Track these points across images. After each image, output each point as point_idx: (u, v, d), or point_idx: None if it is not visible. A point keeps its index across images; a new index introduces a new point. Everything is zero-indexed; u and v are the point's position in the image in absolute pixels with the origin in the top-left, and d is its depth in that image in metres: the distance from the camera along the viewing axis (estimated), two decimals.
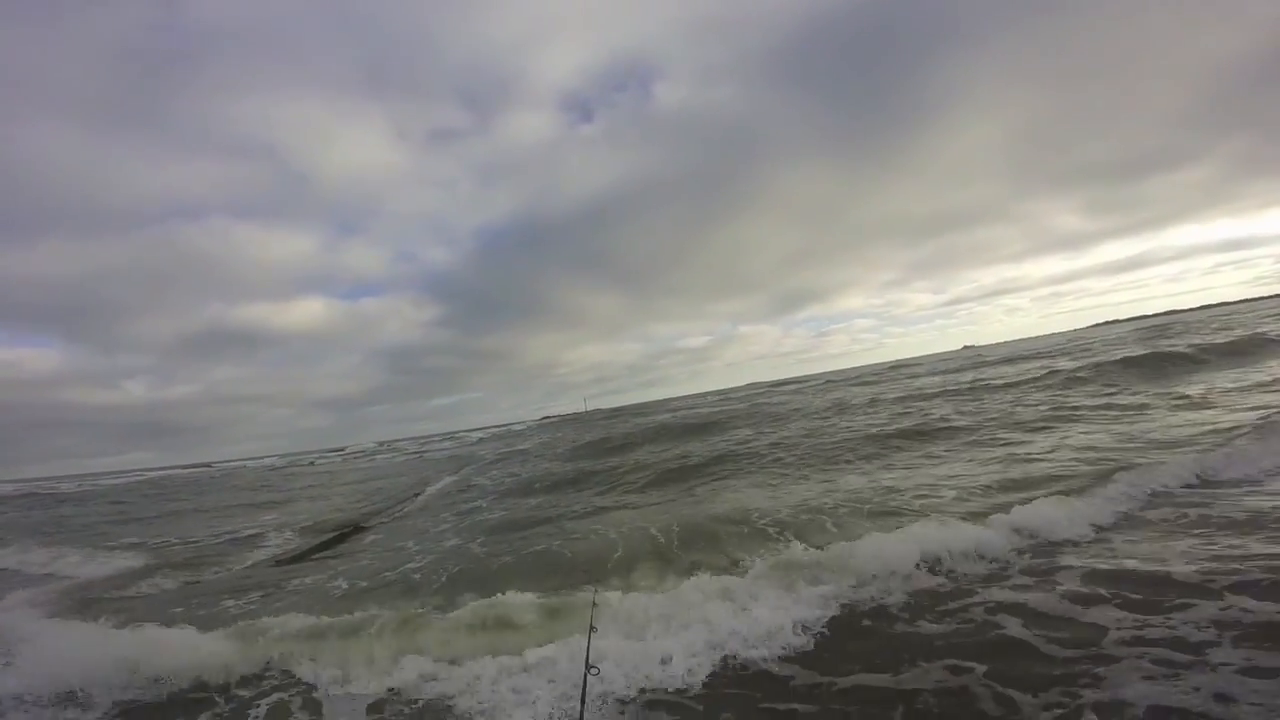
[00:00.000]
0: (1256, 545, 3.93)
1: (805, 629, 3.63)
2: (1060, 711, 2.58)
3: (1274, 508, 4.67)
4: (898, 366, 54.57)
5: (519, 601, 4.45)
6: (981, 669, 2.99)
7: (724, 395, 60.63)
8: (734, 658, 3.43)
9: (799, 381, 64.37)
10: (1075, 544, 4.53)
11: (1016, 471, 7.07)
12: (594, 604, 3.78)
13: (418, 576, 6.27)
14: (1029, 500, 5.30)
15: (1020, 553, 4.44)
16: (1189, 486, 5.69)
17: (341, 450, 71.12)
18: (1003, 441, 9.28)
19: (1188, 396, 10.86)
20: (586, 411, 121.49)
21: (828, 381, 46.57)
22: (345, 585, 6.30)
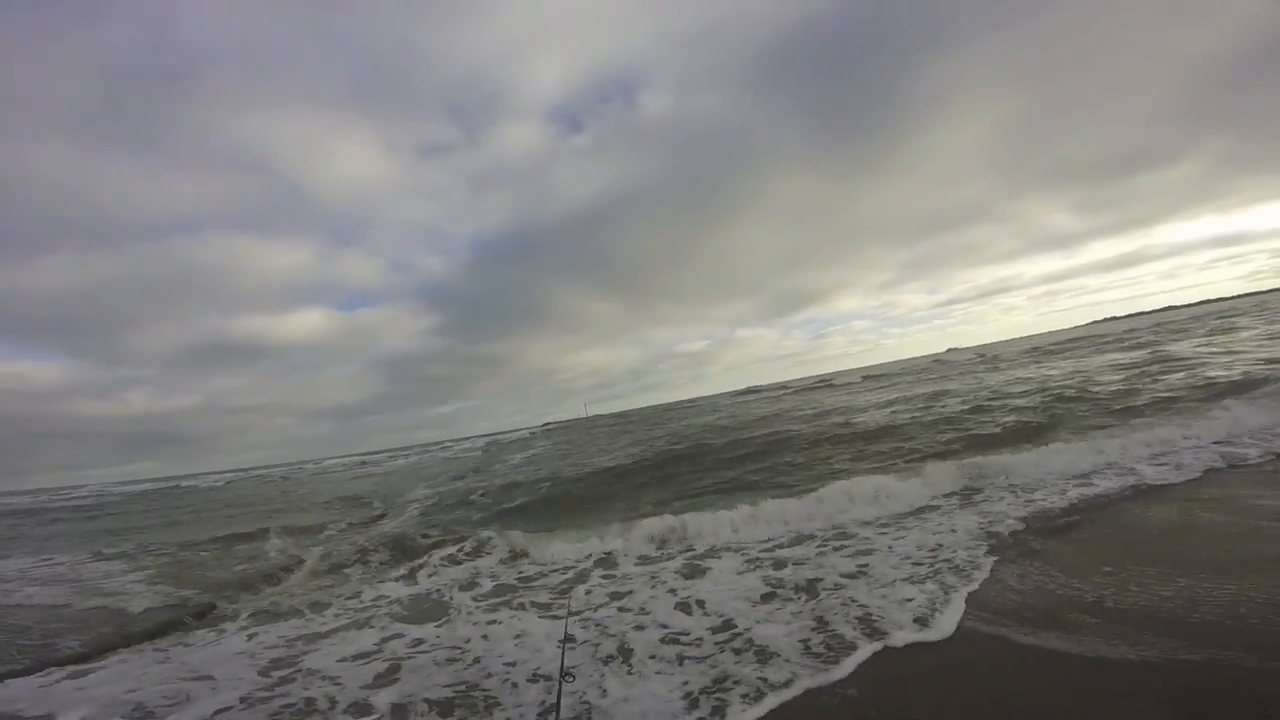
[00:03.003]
0: None
1: None
2: None
3: None
4: (943, 360, 50.06)
5: None
6: None
7: (759, 395, 53.05)
8: None
9: (829, 382, 57.39)
10: None
11: None
12: (569, 611, 3.94)
13: None
14: None
15: None
16: None
17: (319, 461, 66.37)
18: None
19: None
20: (588, 417, 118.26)
21: (865, 379, 42.95)
22: None
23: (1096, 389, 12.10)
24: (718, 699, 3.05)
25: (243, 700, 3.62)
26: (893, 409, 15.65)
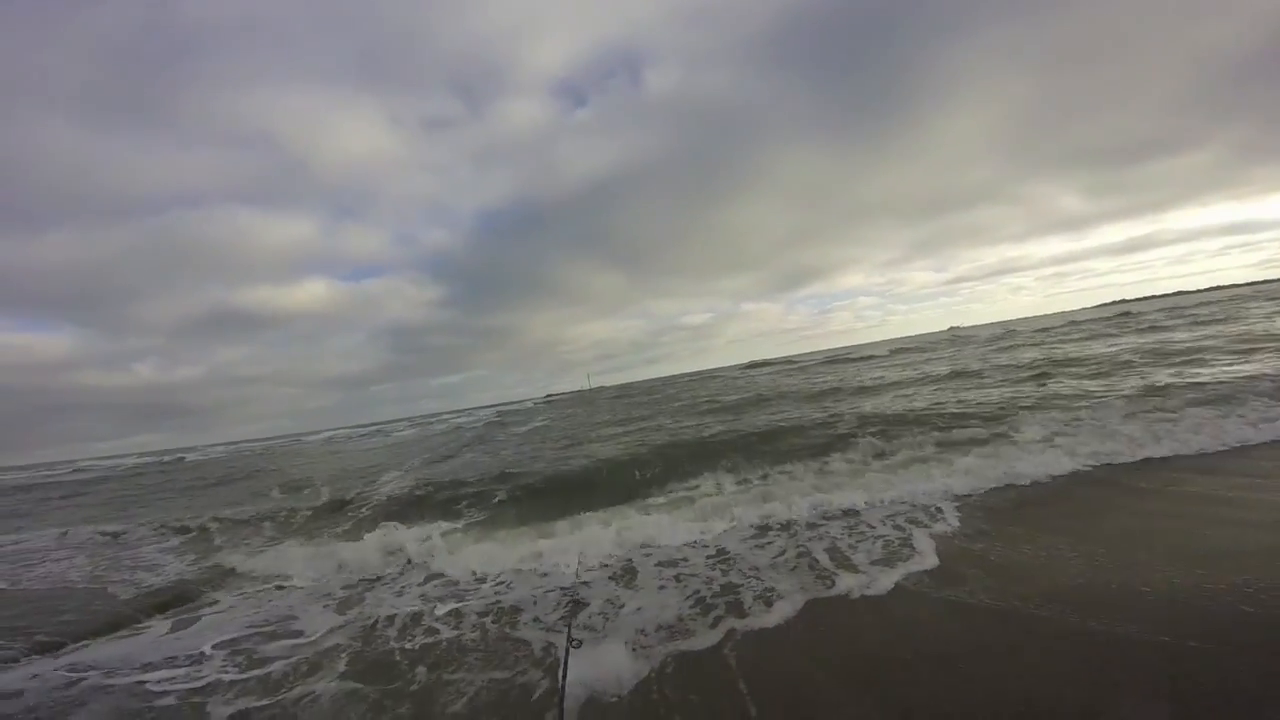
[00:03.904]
0: None
1: None
2: None
3: None
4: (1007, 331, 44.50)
5: None
6: None
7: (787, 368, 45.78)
8: None
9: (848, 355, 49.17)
10: None
11: None
12: (578, 577, 4.23)
13: None
14: None
15: None
16: None
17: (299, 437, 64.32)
18: None
19: None
20: (591, 389, 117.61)
21: (894, 350, 40.50)
22: None
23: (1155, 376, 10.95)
24: (729, 601, 3.77)
25: (330, 629, 4.28)
26: (905, 392, 14.28)
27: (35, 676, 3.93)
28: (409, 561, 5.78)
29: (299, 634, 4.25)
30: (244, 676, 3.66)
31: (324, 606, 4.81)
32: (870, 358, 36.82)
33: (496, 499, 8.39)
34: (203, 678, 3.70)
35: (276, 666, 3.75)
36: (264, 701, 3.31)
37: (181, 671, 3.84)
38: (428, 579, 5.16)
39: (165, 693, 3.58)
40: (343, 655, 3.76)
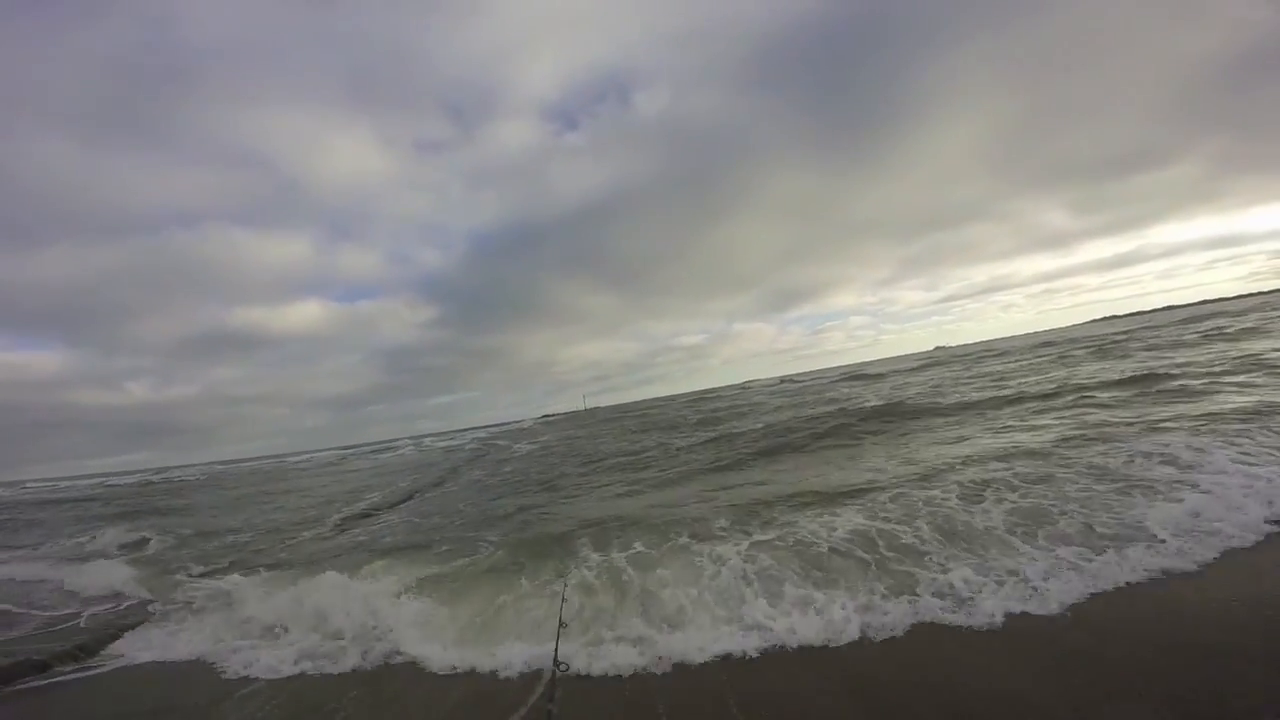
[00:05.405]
0: None
1: None
2: None
3: None
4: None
5: None
6: None
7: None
8: None
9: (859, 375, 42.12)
10: None
11: None
12: (563, 599, 3.69)
13: None
14: None
15: None
16: None
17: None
18: None
19: None
20: (586, 409, 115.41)
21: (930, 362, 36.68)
22: None
23: None
24: None
25: None
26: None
27: None
28: None
29: None
30: None
31: None
32: (882, 374, 34.03)
33: None
34: None
35: None
36: None
37: None
38: None
39: None
40: None
